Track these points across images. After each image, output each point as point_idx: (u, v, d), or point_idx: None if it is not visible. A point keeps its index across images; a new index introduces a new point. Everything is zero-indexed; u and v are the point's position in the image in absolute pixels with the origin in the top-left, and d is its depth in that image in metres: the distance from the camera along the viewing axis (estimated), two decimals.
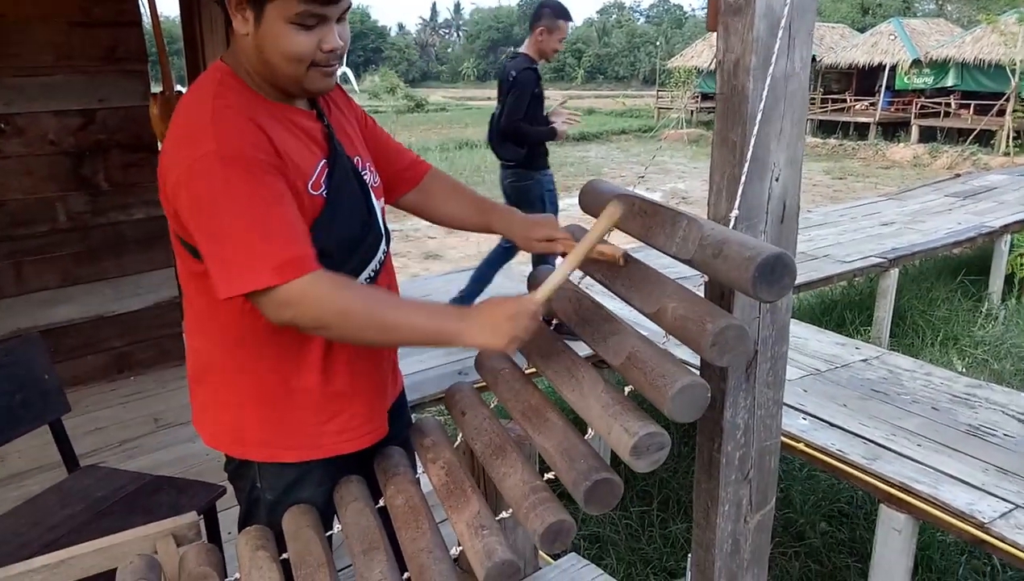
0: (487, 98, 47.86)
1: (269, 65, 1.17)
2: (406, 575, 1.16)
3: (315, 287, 1.11)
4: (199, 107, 1.16)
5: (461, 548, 1.16)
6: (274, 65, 1.17)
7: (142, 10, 3.37)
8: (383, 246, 1.38)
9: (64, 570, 1.34)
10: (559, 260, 1.31)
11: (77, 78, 3.21)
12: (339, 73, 1.30)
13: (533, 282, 1.46)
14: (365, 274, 1.33)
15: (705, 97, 25.22)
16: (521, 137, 3.75)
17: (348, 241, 1.28)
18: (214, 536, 1.84)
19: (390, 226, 1.48)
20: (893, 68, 21.45)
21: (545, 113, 3.89)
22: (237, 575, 1.27)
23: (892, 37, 21.74)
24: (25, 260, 3.23)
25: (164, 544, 1.40)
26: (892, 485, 2.62)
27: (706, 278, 1.22)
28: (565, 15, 3.71)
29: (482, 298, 1.19)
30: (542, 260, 2.69)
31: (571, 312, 1.36)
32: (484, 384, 1.46)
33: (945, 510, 2.49)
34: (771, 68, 1.14)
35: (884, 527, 2.65)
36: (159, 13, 3.43)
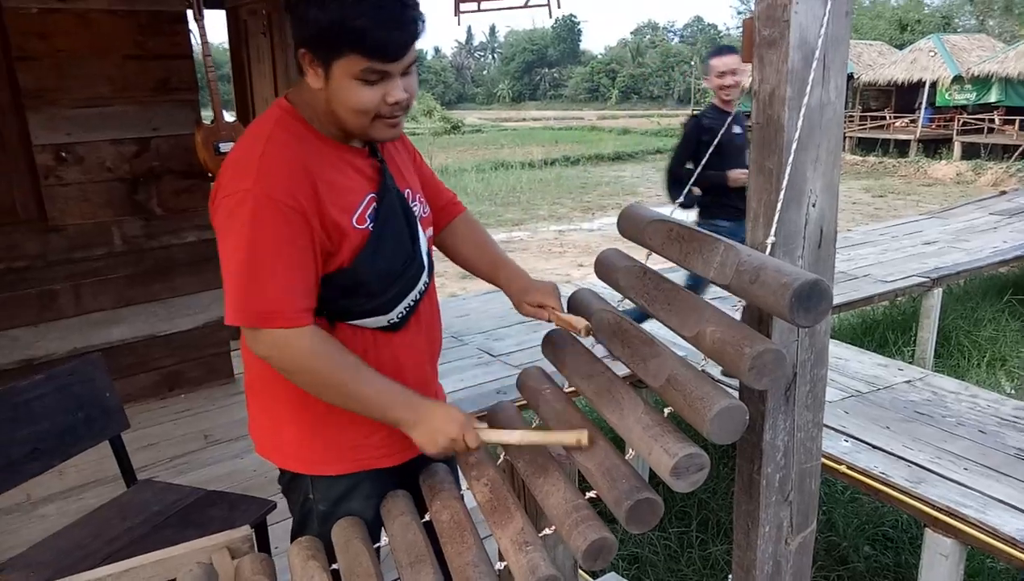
0: (522, 119, 48.27)
1: (337, 116, 1.26)
2: None
3: (295, 341, 1.23)
4: (253, 143, 1.25)
5: (505, 563, 1.20)
6: (342, 117, 1.25)
7: (193, 43, 3.52)
8: (424, 278, 1.43)
9: (126, 580, 1.41)
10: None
11: (132, 108, 3.36)
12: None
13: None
14: (404, 303, 1.39)
15: None
16: (674, 180, 3.71)
17: (387, 274, 1.34)
18: (264, 549, 1.91)
19: None
20: (933, 84, 21.13)
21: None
22: None
23: (932, 53, 21.44)
24: (83, 282, 3.37)
25: (219, 556, 1.46)
26: (938, 509, 2.58)
27: (743, 302, 1.24)
28: (713, 53, 3.64)
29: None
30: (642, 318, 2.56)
31: (611, 334, 1.40)
32: (525, 403, 1.51)
33: (994, 535, 2.44)
34: (806, 98, 1.17)
35: (930, 552, 2.61)
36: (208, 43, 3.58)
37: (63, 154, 3.24)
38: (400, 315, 1.39)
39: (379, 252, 1.32)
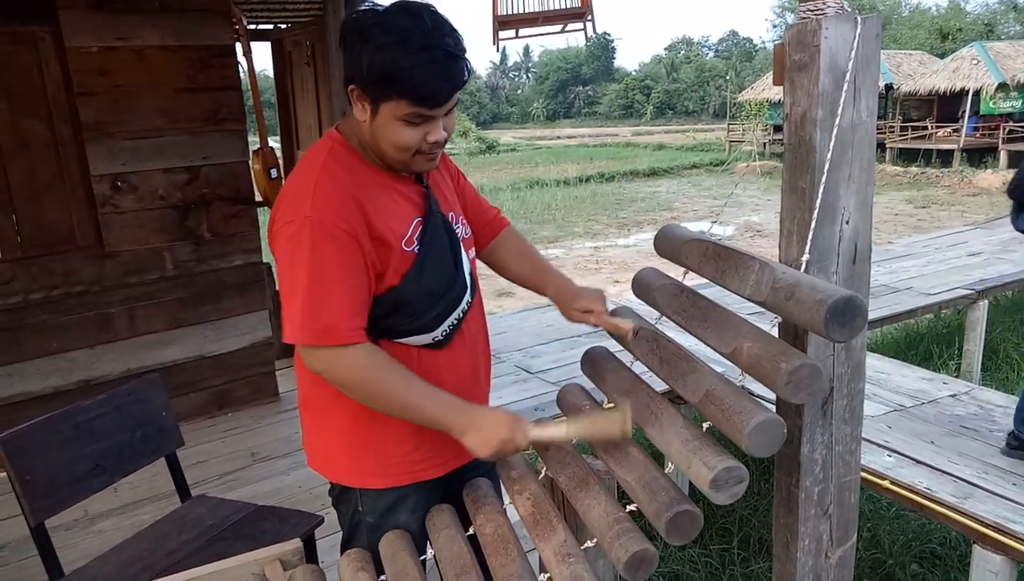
0: (556, 137, 48.46)
1: (380, 148, 1.34)
2: None
3: (350, 356, 1.29)
4: (308, 174, 1.34)
5: (548, 575, 1.24)
6: (384, 150, 1.34)
7: (241, 75, 3.66)
8: (467, 297, 1.49)
9: None
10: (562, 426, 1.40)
11: (184, 138, 3.51)
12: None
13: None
14: (449, 321, 1.45)
15: (777, 129, 24.88)
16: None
17: (432, 294, 1.41)
18: (312, 562, 1.96)
19: None
20: (977, 93, 20.70)
21: None
22: None
23: (975, 61, 21.03)
24: (137, 306, 3.51)
25: (272, 568, 1.52)
26: (986, 525, 2.53)
27: (779, 318, 1.27)
28: None
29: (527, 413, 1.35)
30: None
31: (649, 352, 1.43)
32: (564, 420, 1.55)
33: None
34: (837, 119, 1.20)
35: (979, 569, 2.56)
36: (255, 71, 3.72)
37: (119, 183, 3.39)
38: (444, 333, 1.45)
39: (424, 273, 1.38)
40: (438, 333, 1.44)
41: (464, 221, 1.55)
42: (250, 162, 3.64)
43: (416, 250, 1.38)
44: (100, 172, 3.33)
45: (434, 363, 1.45)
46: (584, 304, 1.57)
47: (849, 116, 1.23)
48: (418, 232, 1.39)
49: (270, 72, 5.02)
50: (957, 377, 4.63)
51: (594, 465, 1.47)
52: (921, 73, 23.11)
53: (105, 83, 3.27)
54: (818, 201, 1.21)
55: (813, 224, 1.21)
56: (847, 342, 1.29)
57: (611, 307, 1.62)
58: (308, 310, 1.28)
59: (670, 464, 1.25)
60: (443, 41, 1.24)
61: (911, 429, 3.29)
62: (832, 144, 1.20)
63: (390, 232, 1.34)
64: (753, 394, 1.21)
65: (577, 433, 1.36)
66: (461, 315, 1.48)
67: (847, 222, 1.28)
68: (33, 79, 3.17)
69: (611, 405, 1.41)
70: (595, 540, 1.24)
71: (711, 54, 78.20)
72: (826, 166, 1.21)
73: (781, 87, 1.30)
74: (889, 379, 3.89)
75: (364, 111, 1.30)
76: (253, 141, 4.08)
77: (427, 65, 1.23)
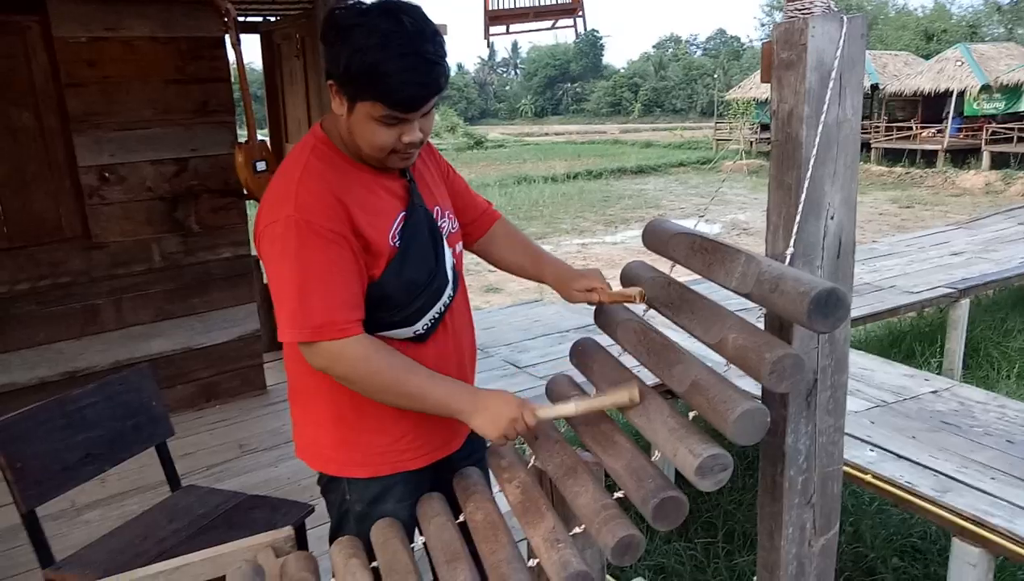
0: (544, 134, 48.47)
1: (356, 144, 1.36)
2: None
3: (351, 349, 1.30)
4: (290, 174, 1.35)
5: (537, 560, 1.26)
6: (359, 146, 1.35)
7: (230, 67, 3.65)
8: (449, 291, 1.50)
9: (178, 576, 1.49)
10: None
11: (172, 130, 3.50)
12: None
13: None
14: (430, 315, 1.46)
15: (764, 128, 25.03)
16: None
17: (413, 286, 1.42)
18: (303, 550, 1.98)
19: None
20: (961, 94, 20.91)
21: None
22: (334, 580, 1.39)
23: (959, 63, 21.24)
24: (124, 297, 3.51)
25: (264, 555, 1.54)
26: (965, 518, 2.59)
27: (765, 311, 1.30)
28: None
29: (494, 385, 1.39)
30: None
31: (636, 343, 1.46)
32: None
33: (1023, 545, 2.44)
34: (823, 116, 1.23)
35: (958, 561, 2.61)
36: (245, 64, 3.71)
37: (106, 174, 3.38)
38: (425, 327, 1.46)
39: (405, 267, 1.40)
40: (419, 326, 1.45)
41: (451, 216, 1.56)
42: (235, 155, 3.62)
43: (397, 244, 1.39)
44: (87, 163, 3.32)
45: (418, 357, 1.45)
46: (584, 283, 1.59)
47: (835, 113, 1.26)
48: (400, 226, 1.40)
49: (258, 65, 5.01)
50: (939, 375, 4.70)
51: (583, 456, 1.49)
52: (906, 74, 23.31)
53: (93, 74, 3.25)
54: (803, 196, 1.23)
55: (798, 218, 1.24)
56: (830, 333, 1.32)
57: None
58: (300, 308, 1.29)
59: (657, 452, 1.27)
60: (422, 47, 1.25)
61: (893, 424, 3.35)
62: (818, 140, 1.23)
63: (374, 229, 1.36)
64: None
65: (587, 407, 1.37)
66: (443, 309, 1.49)
67: (832, 217, 1.31)
68: (20, 69, 3.15)
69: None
70: (583, 526, 1.27)
71: (699, 52, 78.42)
72: (811, 162, 1.23)
73: (768, 85, 1.32)
74: (872, 375, 3.94)
75: (341, 106, 1.32)
76: (244, 135, 4.07)
77: (404, 72, 1.23)
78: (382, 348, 1.34)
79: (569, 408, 1.38)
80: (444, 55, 1.29)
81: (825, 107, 1.23)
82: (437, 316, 1.48)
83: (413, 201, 1.44)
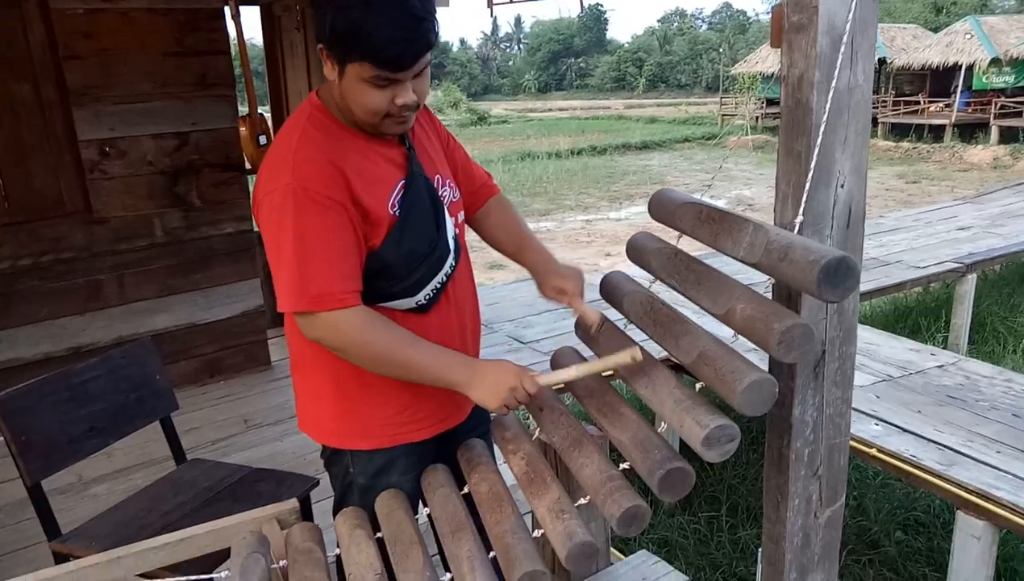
0: (548, 109, 48.12)
1: (349, 109, 1.32)
2: (492, 554, 1.25)
3: (346, 320, 1.28)
4: (287, 142, 1.33)
5: (542, 531, 1.26)
6: (354, 111, 1.32)
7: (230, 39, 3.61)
8: (450, 261, 1.47)
9: (183, 547, 1.49)
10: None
11: (172, 103, 3.47)
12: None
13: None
14: (431, 286, 1.44)
15: (770, 103, 24.79)
16: None
17: (412, 257, 1.39)
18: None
19: None
20: (970, 68, 20.66)
21: None
22: (337, 551, 1.39)
23: (968, 36, 20.95)
24: (127, 273, 3.50)
25: (269, 526, 1.54)
26: (969, 491, 2.58)
27: (772, 282, 1.28)
28: None
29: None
30: None
31: (642, 314, 1.44)
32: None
33: None
34: (834, 81, 1.20)
35: (962, 534, 2.61)
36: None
37: (107, 149, 3.35)
38: (427, 297, 1.44)
39: (404, 236, 1.37)
40: (420, 297, 1.43)
41: (452, 184, 1.53)
42: (239, 127, 3.59)
43: (397, 213, 1.37)
44: (87, 137, 3.29)
45: (420, 328, 1.43)
46: (558, 283, 1.55)
47: (846, 79, 1.23)
48: (400, 195, 1.38)
49: (258, 41, 4.95)
50: (945, 350, 4.68)
51: (588, 430, 1.49)
52: (915, 47, 23.01)
53: (91, 46, 3.21)
54: (813, 163, 1.21)
55: (808, 186, 1.21)
56: (839, 304, 1.30)
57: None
58: (298, 277, 1.27)
59: (663, 424, 1.26)
60: (408, 3, 1.21)
61: (899, 399, 3.33)
62: (828, 106, 1.20)
63: (372, 197, 1.33)
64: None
65: (588, 370, 1.36)
66: (444, 279, 1.46)
67: (842, 186, 1.29)
68: (18, 41, 3.11)
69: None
70: (588, 498, 1.26)
71: (704, 27, 77.51)
72: (822, 128, 1.21)
73: (773, 61, 1.29)
74: (878, 350, 3.93)
75: (333, 70, 1.29)
76: (246, 110, 4.04)
77: (390, 27, 1.20)
78: (378, 319, 1.33)
79: (571, 372, 1.37)
80: (432, 10, 1.26)
81: (836, 72, 1.20)
82: (439, 286, 1.46)
83: (412, 169, 1.42)
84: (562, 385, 1.44)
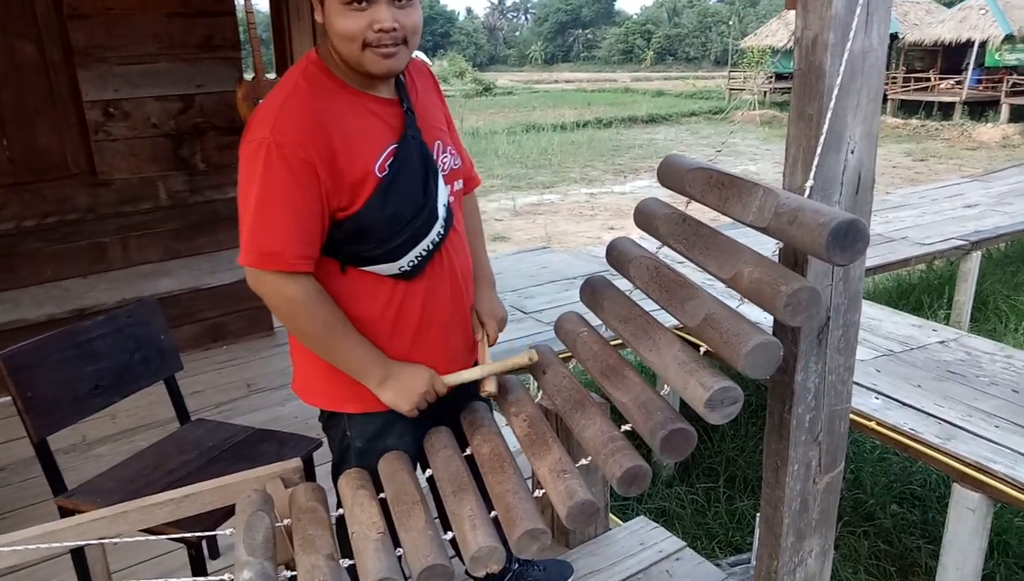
0: (554, 81, 47.67)
1: (338, 50, 1.31)
2: (493, 513, 1.27)
3: (290, 286, 1.31)
4: (277, 95, 1.32)
5: (543, 491, 1.27)
6: (337, 47, 1.30)
7: (236, 1, 3.56)
8: (438, 228, 1.44)
9: (187, 504, 1.50)
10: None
11: (177, 65, 3.43)
12: (412, 56, 1.39)
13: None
14: (415, 252, 1.41)
15: (779, 77, 24.52)
16: None
17: (395, 221, 1.36)
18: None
19: None
20: (983, 44, 20.39)
21: None
22: (341, 511, 1.40)
23: (983, 11, 20.64)
24: (131, 236, 3.49)
25: (273, 485, 1.55)
26: (966, 464, 2.60)
27: (780, 246, 1.28)
28: None
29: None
30: None
31: (648, 280, 1.44)
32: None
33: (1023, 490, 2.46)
34: (848, 44, 1.18)
35: (957, 506, 2.64)
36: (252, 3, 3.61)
37: (111, 110, 3.33)
38: (411, 263, 1.41)
39: (388, 199, 1.35)
40: (404, 262, 1.40)
41: (453, 152, 1.51)
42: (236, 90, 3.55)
43: (385, 174, 1.35)
44: (92, 98, 3.26)
45: (407, 295, 1.43)
46: (480, 318, 1.61)
47: (860, 42, 1.21)
48: (391, 158, 1.36)
49: (264, 7, 4.88)
50: (947, 326, 4.68)
51: (592, 397, 1.49)
52: (927, 22, 22.69)
53: (96, 5, 3.17)
54: (825, 127, 1.20)
55: (819, 150, 1.20)
56: (844, 271, 1.30)
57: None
58: (255, 232, 1.29)
59: (665, 387, 1.27)
60: None
61: (899, 373, 3.35)
62: (842, 69, 1.19)
63: (358, 157, 1.32)
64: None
65: (489, 370, 1.48)
66: (431, 247, 1.43)
67: (852, 152, 1.28)
68: (22, 0, 3.07)
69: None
70: (589, 458, 1.27)
71: None
72: (835, 92, 1.20)
73: (785, 34, 1.28)
74: (880, 325, 3.93)
75: (319, 10, 1.29)
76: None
77: None
78: (321, 297, 1.35)
79: (474, 372, 1.49)
80: None
81: (852, 34, 1.18)
82: (424, 253, 1.42)
83: (406, 132, 1.39)
84: (464, 382, 1.53)
